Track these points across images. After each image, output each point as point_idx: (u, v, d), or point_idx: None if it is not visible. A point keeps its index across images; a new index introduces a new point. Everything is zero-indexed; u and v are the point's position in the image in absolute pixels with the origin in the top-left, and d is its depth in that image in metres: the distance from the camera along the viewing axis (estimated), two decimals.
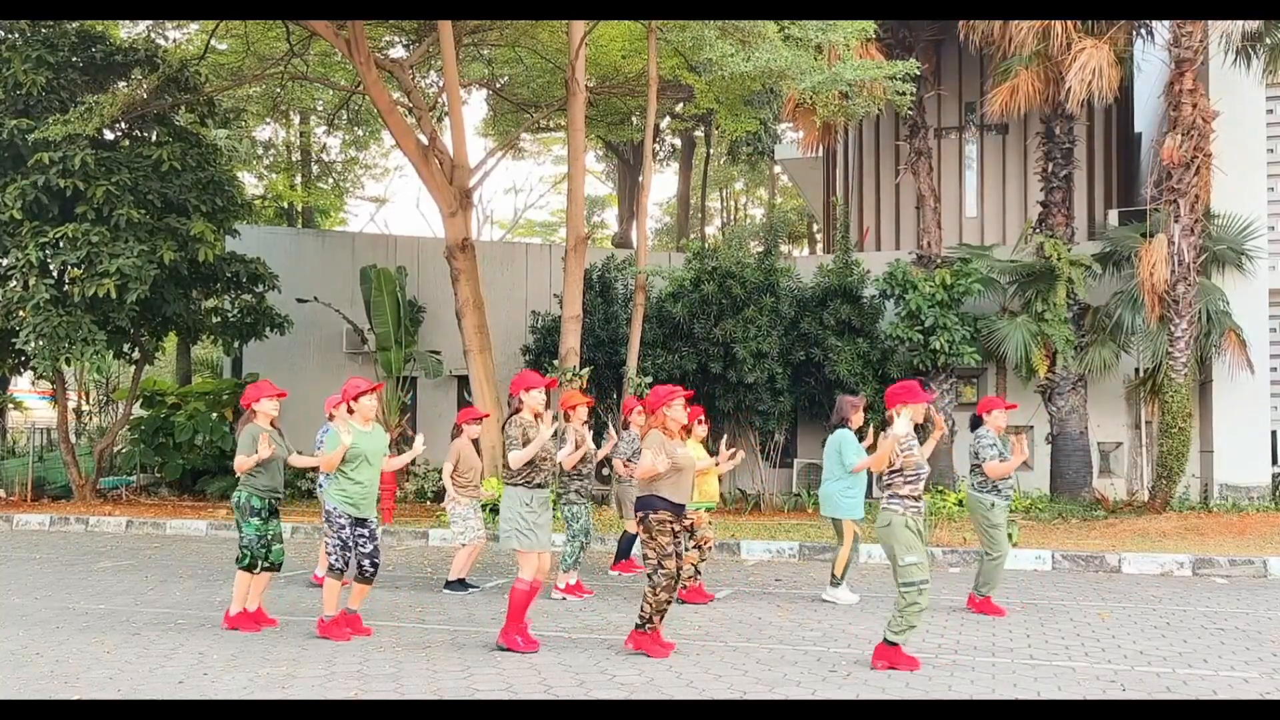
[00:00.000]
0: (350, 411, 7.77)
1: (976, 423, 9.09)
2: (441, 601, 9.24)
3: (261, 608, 8.13)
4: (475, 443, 10.09)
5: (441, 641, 7.56)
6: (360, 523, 7.62)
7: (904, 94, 14.77)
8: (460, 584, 9.75)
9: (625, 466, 9.93)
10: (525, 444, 7.30)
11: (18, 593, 9.63)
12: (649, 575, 7.06)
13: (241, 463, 7.83)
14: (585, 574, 10.41)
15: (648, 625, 7.08)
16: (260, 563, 7.94)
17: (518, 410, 7.45)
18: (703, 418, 9.53)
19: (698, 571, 9.26)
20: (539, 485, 7.41)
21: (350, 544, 7.61)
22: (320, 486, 9.37)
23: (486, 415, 10.69)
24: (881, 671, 6.64)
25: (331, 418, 9.18)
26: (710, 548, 9.45)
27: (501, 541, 7.36)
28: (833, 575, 9.41)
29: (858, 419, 9.36)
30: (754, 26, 13.55)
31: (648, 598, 7.04)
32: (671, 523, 7.05)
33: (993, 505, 8.84)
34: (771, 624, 8.26)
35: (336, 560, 7.59)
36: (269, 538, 7.97)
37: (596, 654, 7.15)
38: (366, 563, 7.64)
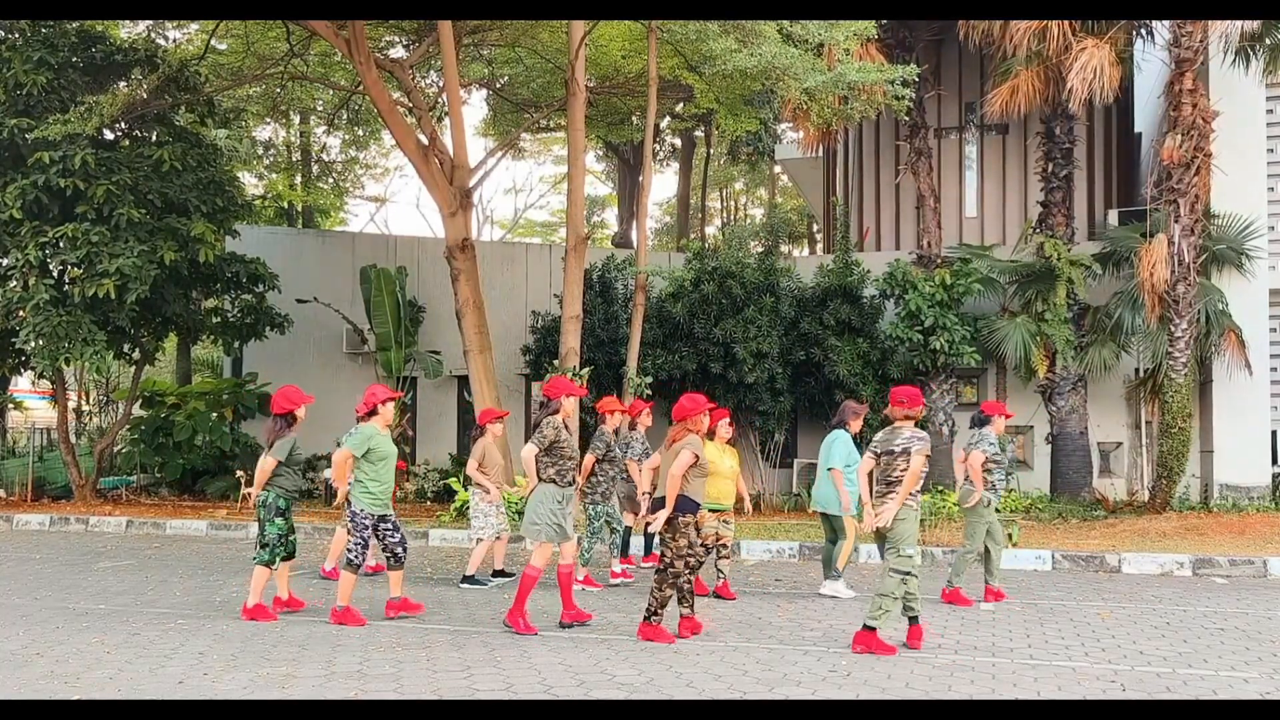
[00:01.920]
0: (370, 416, 8.32)
1: (983, 421, 9.40)
2: (442, 601, 9.24)
3: (292, 594, 8.78)
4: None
5: (441, 641, 7.56)
6: (383, 518, 8.32)
7: (901, 99, 14.78)
8: (474, 579, 10.11)
9: (637, 468, 10.36)
10: (552, 445, 7.95)
11: (18, 593, 9.63)
12: (660, 570, 7.49)
13: (267, 468, 8.40)
14: (590, 570, 10.51)
15: (653, 616, 7.50)
16: (278, 559, 8.50)
17: (555, 412, 8.12)
18: (728, 420, 9.67)
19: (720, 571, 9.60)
20: (569, 484, 8.08)
21: (370, 541, 8.32)
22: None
23: (507, 414, 11.09)
24: (867, 660, 6.69)
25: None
26: (727, 546, 9.59)
27: (530, 534, 7.98)
28: (833, 569, 9.56)
29: (856, 425, 9.72)
30: (754, 25, 13.54)
31: (653, 591, 7.48)
32: (696, 525, 7.57)
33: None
34: (771, 624, 8.26)
35: (356, 556, 8.17)
36: (287, 534, 8.58)
37: (596, 654, 7.15)
38: (400, 550, 8.40)
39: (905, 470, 7.27)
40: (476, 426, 10.36)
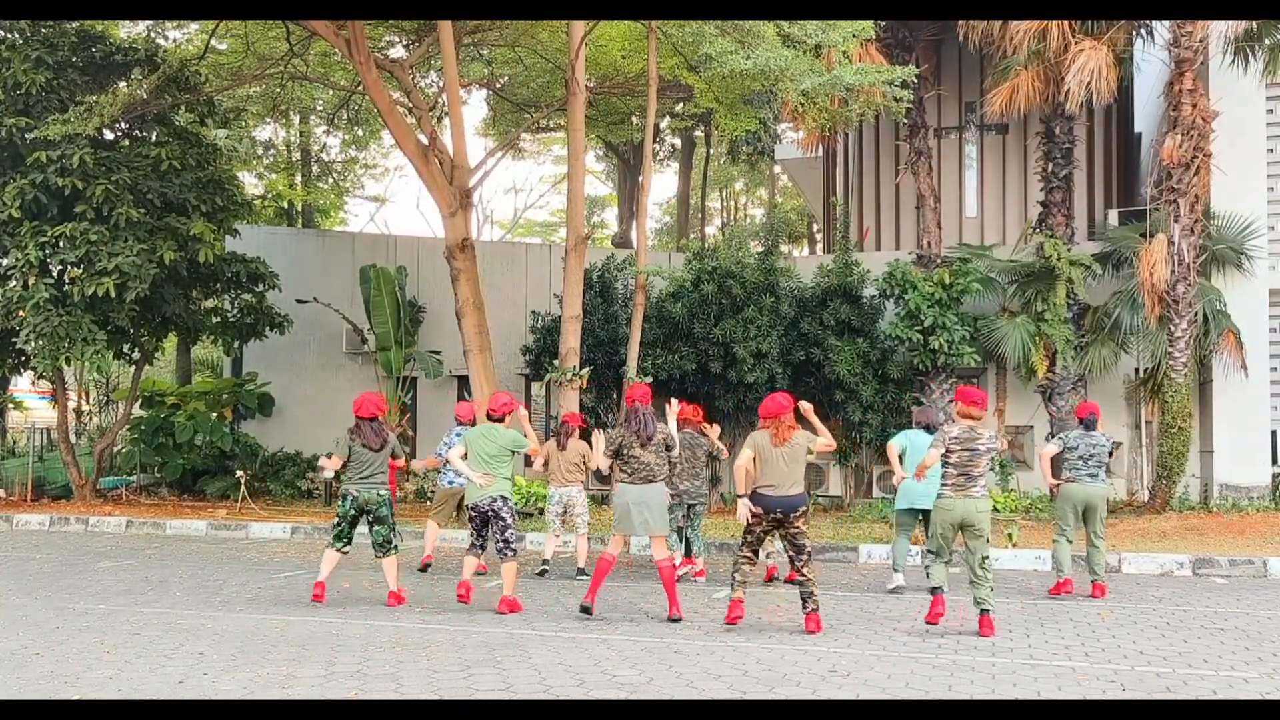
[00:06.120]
0: (496, 419, 8.96)
1: (1092, 424, 9.90)
2: (442, 600, 9.25)
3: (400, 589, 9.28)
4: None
5: (441, 641, 7.56)
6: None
7: (900, 100, 14.75)
8: (584, 572, 10.69)
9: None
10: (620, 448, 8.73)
11: (18, 593, 9.63)
12: (808, 560, 8.14)
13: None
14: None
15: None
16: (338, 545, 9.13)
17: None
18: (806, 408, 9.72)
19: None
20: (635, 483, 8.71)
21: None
22: (451, 482, 11.57)
23: (583, 425, 11.72)
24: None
25: (473, 423, 10.76)
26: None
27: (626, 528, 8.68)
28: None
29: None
30: (753, 26, 13.53)
31: (812, 580, 8.13)
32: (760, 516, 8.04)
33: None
34: (771, 624, 8.26)
35: (515, 541, 8.87)
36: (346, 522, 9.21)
37: (596, 654, 7.15)
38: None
39: (987, 467, 7.92)
40: (569, 427, 11.06)
